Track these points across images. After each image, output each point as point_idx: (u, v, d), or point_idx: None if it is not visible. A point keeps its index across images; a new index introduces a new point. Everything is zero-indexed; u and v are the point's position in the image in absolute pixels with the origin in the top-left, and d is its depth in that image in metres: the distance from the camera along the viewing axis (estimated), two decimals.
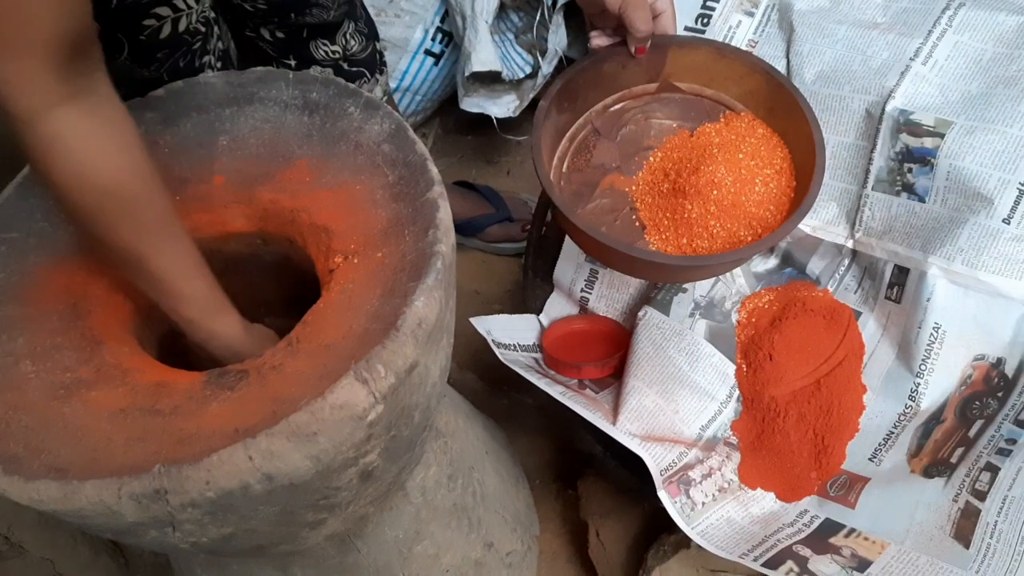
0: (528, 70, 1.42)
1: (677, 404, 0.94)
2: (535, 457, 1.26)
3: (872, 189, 0.97)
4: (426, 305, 0.61)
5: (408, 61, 1.47)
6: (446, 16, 1.46)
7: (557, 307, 1.11)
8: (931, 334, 0.92)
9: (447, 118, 1.66)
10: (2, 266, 0.69)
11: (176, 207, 0.66)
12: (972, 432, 0.88)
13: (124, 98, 0.62)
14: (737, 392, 0.97)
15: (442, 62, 1.50)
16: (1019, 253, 0.88)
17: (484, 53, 1.35)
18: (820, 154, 0.84)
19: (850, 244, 1.01)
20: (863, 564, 0.81)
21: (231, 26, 1.01)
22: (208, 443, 0.56)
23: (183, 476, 0.54)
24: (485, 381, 1.34)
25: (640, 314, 1.00)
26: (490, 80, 1.42)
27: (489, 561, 1.01)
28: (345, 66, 1.11)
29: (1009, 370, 0.89)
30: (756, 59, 0.91)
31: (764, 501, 0.92)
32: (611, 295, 1.08)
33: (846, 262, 1.02)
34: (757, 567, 0.82)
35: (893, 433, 0.93)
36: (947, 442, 0.88)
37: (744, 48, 1.06)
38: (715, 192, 0.86)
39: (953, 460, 0.86)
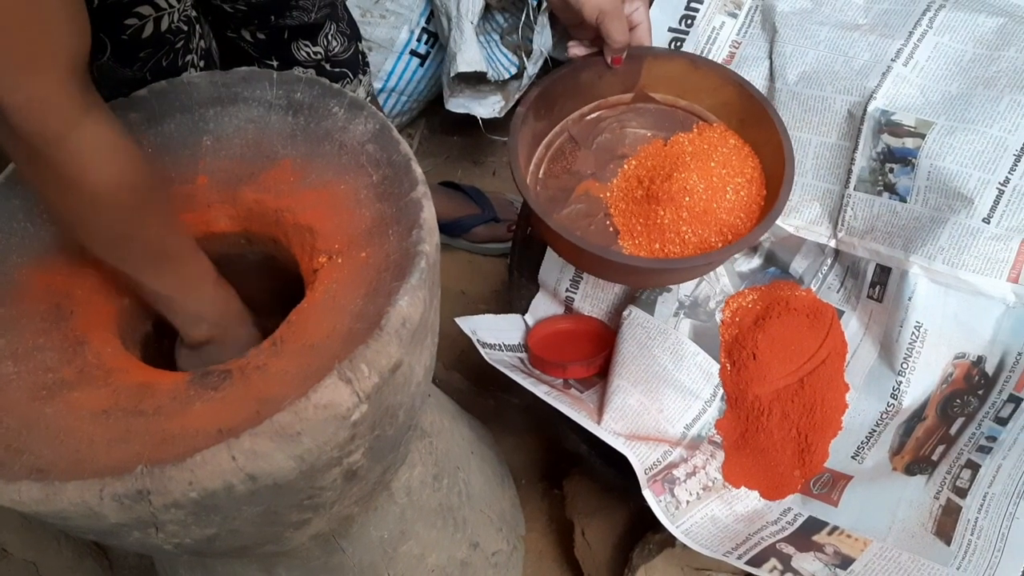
0: (513, 71, 1.43)
1: (662, 403, 0.95)
2: (521, 457, 1.26)
3: (854, 189, 0.98)
4: (410, 305, 0.61)
5: (393, 62, 1.47)
6: (431, 17, 1.46)
7: (542, 307, 1.11)
8: (913, 333, 0.92)
9: (433, 119, 1.66)
10: None
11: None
12: (953, 430, 0.88)
13: (107, 98, 0.62)
14: (721, 391, 0.97)
15: (427, 63, 1.50)
16: (999, 252, 0.89)
17: (469, 54, 1.35)
18: (789, 164, 0.87)
19: (833, 244, 1.01)
20: (846, 561, 0.82)
21: (212, 26, 1.01)
22: (191, 443, 0.56)
23: (166, 477, 0.54)
24: (471, 381, 1.35)
25: (625, 314, 1.00)
26: (476, 81, 1.42)
27: (475, 561, 1.01)
28: (327, 67, 1.11)
29: (989, 368, 0.89)
30: (729, 71, 0.93)
31: (748, 499, 0.92)
32: (596, 295, 1.08)
33: (829, 261, 1.02)
34: (741, 565, 0.82)
35: (875, 431, 0.93)
36: (928, 440, 0.89)
37: (727, 48, 1.07)
38: (687, 199, 0.88)
39: (934, 458, 0.87)
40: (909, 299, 0.92)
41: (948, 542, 0.80)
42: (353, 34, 1.13)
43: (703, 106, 0.96)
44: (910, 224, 0.94)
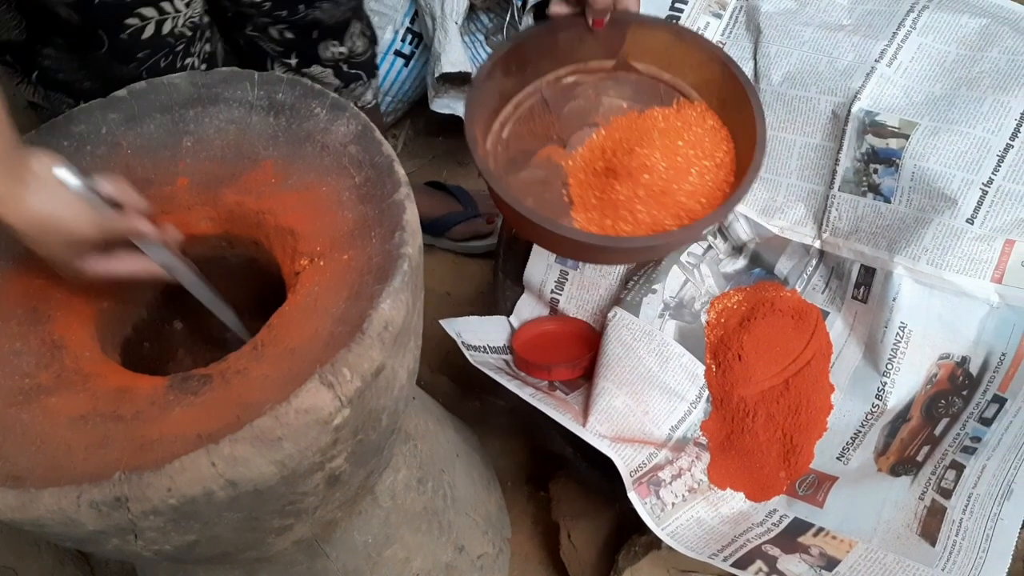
0: None
1: (647, 405, 0.94)
2: (506, 459, 1.25)
3: (839, 190, 0.98)
4: (392, 308, 0.61)
5: (378, 62, 1.46)
6: (416, 17, 1.46)
7: (527, 308, 1.10)
8: (897, 333, 0.93)
9: (418, 119, 1.65)
10: None
11: None
12: (938, 431, 0.88)
13: (97, 92, 0.60)
14: (707, 392, 0.97)
15: (412, 63, 1.49)
16: (982, 253, 0.89)
17: (454, 54, 1.35)
18: (759, 151, 0.83)
19: (817, 244, 1.01)
20: (831, 563, 0.82)
21: (228, 27, 1.00)
22: (170, 449, 0.55)
23: (144, 483, 0.53)
24: (456, 383, 1.34)
25: (610, 315, 1.00)
26: (460, 81, 1.41)
27: (460, 564, 1.01)
28: (345, 68, 1.11)
29: (973, 369, 0.90)
30: (714, 48, 0.89)
31: (733, 501, 0.92)
32: (581, 296, 1.07)
33: (814, 262, 1.02)
34: (727, 567, 0.82)
35: (860, 432, 0.93)
36: (913, 441, 0.89)
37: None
38: (646, 176, 0.84)
39: (919, 458, 0.87)
40: (894, 300, 0.93)
41: (933, 543, 0.80)
42: (372, 36, 1.13)
43: (686, 82, 0.92)
44: (894, 225, 0.94)
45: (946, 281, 0.90)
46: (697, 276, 1.03)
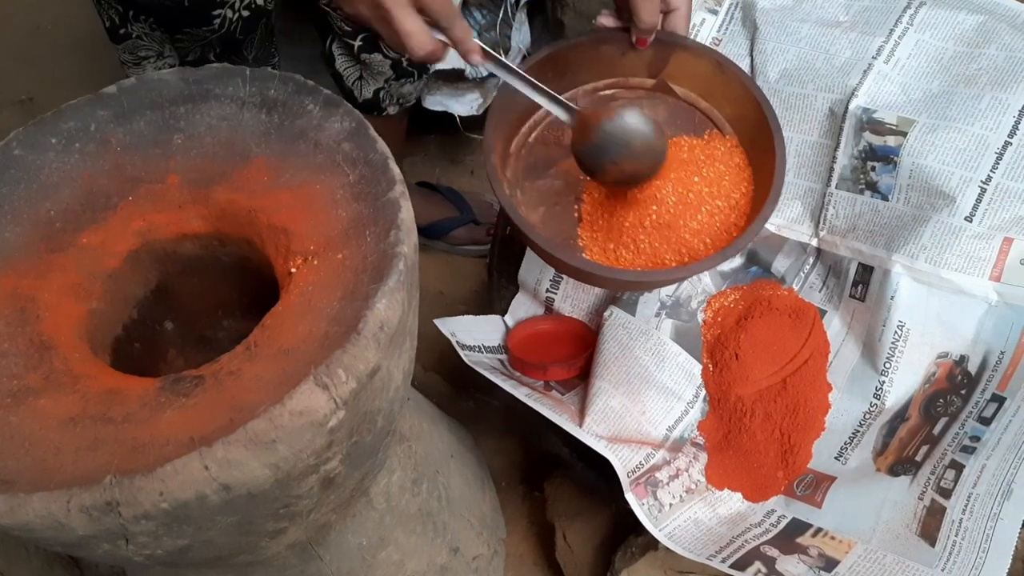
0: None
1: (644, 405, 0.94)
2: (501, 459, 1.25)
3: (836, 187, 0.98)
4: (388, 308, 0.60)
5: None
6: None
7: (522, 308, 1.10)
8: (895, 332, 0.92)
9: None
10: None
11: None
12: (936, 430, 0.88)
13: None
14: (704, 392, 0.96)
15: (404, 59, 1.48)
16: (981, 251, 0.88)
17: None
18: (771, 203, 0.81)
19: (814, 242, 1.01)
20: (830, 564, 0.81)
21: None
22: (162, 452, 0.54)
23: (136, 487, 0.52)
24: (450, 383, 1.33)
25: (606, 314, 0.99)
26: (453, 78, 1.41)
27: (455, 566, 1.00)
28: (404, 62, 1.11)
29: (972, 367, 0.89)
30: (753, 85, 0.87)
31: (731, 501, 0.91)
32: (577, 295, 1.07)
33: (811, 260, 1.02)
34: (725, 569, 0.81)
35: (859, 431, 0.93)
36: (912, 440, 0.89)
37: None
38: (654, 208, 0.83)
39: (918, 458, 0.87)
40: (892, 298, 0.92)
41: (933, 543, 0.79)
42: None
43: (722, 114, 0.90)
44: (892, 223, 0.93)
45: (944, 279, 0.90)
46: None
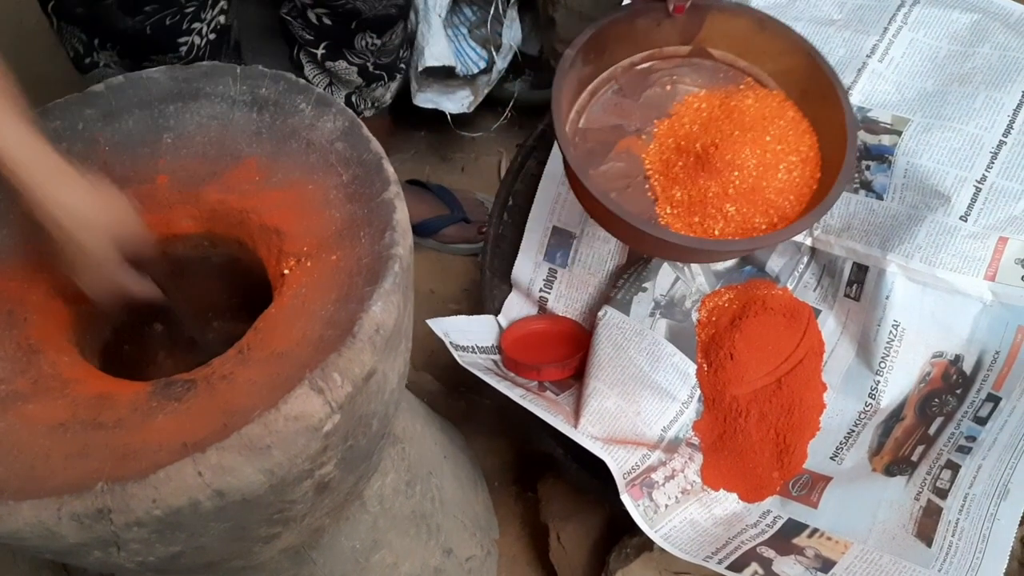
0: (482, 65, 1.40)
1: (639, 405, 0.93)
2: (494, 459, 1.24)
3: None
4: (384, 310, 0.59)
5: None
6: None
7: (516, 307, 1.09)
8: (890, 332, 0.92)
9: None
10: None
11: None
12: (932, 430, 0.88)
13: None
14: (698, 392, 0.96)
15: None
16: (976, 250, 0.88)
17: (437, 48, 1.33)
18: (851, 147, 0.80)
19: (809, 242, 1.00)
20: (827, 565, 0.81)
21: (263, 2, 0.98)
22: (154, 458, 0.53)
23: (128, 494, 0.51)
24: (442, 383, 1.32)
25: (600, 314, 0.98)
26: (444, 75, 1.40)
27: (448, 568, 0.99)
28: (370, 67, 1.10)
29: (967, 367, 0.89)
30: (799, 37, 0.87)
31: (727, 502, 0.91)
32: (570, 295, 1.06)
33: (805, 260, 1.01)
34: (721, 570, 0.81)
35: (854, 431, 0.93)
36: (908, 440, 0.89)
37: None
38: (736, 174, 0.81)
39: (914, 458, 0.86)
40: (887, 298, 0.92)
41: (929, 544, 0.79)
42: (407, 39, 1.11)
43: (764, 70, 0.90)
44: (887, 222, 0.93)
45: (939, 279, 0.89)
46: (688, 274, 1.01)
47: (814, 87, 0.85)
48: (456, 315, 1.06)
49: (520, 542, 1.17)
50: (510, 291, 1.10)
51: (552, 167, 1.06)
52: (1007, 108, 0.89)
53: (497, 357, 1.03)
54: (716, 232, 0.82)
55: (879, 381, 0.93)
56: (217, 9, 0.89)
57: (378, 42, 1.05)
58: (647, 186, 0.85)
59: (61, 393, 0.60)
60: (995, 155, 0.88)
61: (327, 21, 0.99)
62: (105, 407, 0.59)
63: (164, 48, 0.94)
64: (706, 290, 1.02)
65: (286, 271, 0.65)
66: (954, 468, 0.82)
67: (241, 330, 0.63)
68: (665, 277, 1.00)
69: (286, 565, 0.80)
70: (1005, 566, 0.75)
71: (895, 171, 0.92)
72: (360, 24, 1.01)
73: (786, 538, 0.85)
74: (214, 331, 0.84)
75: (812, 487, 0.89)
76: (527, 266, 1.07)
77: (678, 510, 0.88)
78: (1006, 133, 0.89)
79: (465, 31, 1.42)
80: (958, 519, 0.79)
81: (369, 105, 1.23)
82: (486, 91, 1.42)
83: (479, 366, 0.96)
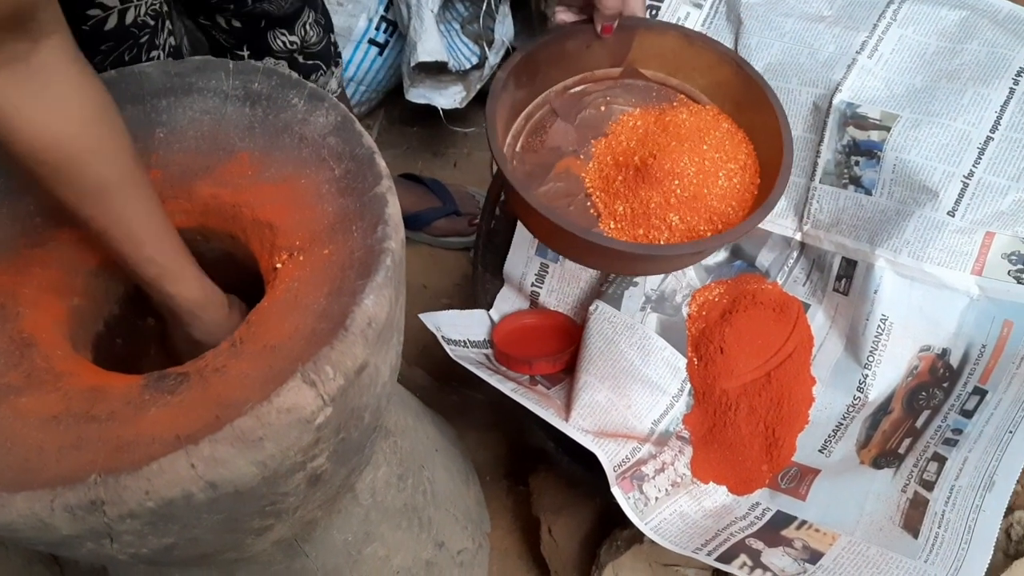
0: (475, 60, 1.41)
1: (629, 399, 0.94)
2: (485, 453, 1.24)
3: (820, 182, 0.98)
4: (376, 304, 0.59)
5: (352, 51, 1.44)
6: (390, 5, 1.44)
7: (507, 302, 1.09)
8: (878, 326, 0.93)
9: (392, 109, 1.63)
10: None
11: (141, 170, 0.63)
12: (919, 423, 0.89)
13: None
14: (688, 386, 0.97)
15: (387, 52, 1.47)
16: (963, 245, 0.89)
17: (430, 43, 1.33)
18: (788, 151, 0.82)
19: (798, 237, 1.01)
20: (815, 556, 0.82)
21: (186, 14, 0.97)
22: (147, 451, 0.54)
23: (121, 486, 0.51)
24: (434, 377, 1.33)
25: (591, 308, 0.99)
26: (436, 71, 1.40)
27: (440, 561, 1.00)
28: (300, 59, 1.09)
29: (954, 361, 0.90)
30: (726, 49, 0.88)
31: (716, 495, 0.92)
32: (562, 289, 1.07)
33: (795, 255, 1.02)
34: (711, 561, 0.82)
35: (842, 424, 0.93)
36: (895, 433, 0.89)
37: None
38: (676, 183, 0.83)
39: (901, 451, 0.87)
40: (875, 292, 0.93)
41: (916, 535, 0.80)
42: (327, 24, 1.10)
43: (696, 86, 0.91)
44: (875, 217, 0.94)
45: (927, 273, 0.90)
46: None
47: (746, 96, 0.87)
48: (448, 309, 1.07)
49: (512, 535, 1.18)
50: (502, 286, 1.10)
51: None
52: (995, 104, 0.90)
53: (489, 351, 1.04)
54: (662, 243, 0.83)
55: (867, 375, 0.93)
56: (167, 32, 0.89)
57: (293, 38, 1.05)
58: (589, 203, 0.86)
59: (54, 386, 0.60)
60: (982, 151, 0.89)
61: (236, 23, 0.99)
62: (98, 400, 0.59)
63: None
64: (696, 285, 1.03)
65: (279, 265, 0.66)
66: (940, 460, 0.83)
67: None
68: None
69: (278, 558, 0.81)
70: (990, 557, 0.75)
71: (884, 167, 0.93)
72: (269, 23, 1.01)
73: (775, 530, 0.86)
74: None
75: (800, 480, 0.90)
76: (519, 261, 1.08)
77: (668, 502, 0.89)
78: (993, 129, 0.89)
79: (457, 27, 1.42)
80: (944, 511, 0.80)
81: None
82: (479, 86, 1.42)
83: (471, 360, 0.97)
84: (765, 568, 0.81)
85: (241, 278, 0.73)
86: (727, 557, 0.82)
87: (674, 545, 0.84)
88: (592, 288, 1.05)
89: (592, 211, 0.86)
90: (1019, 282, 0.87)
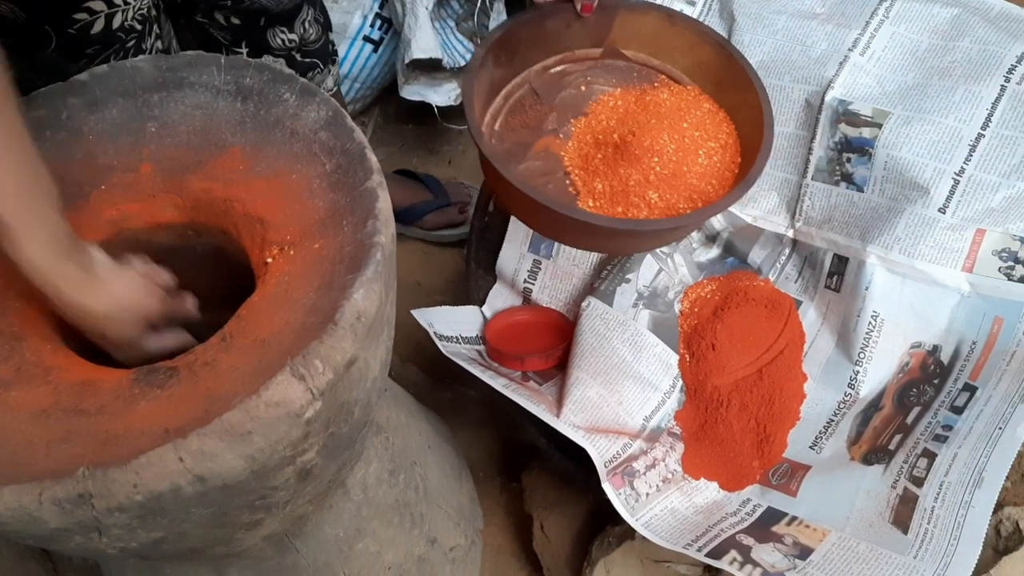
0: (469, 57, 1.41)
1: (621, 395, 0.94)
2: (478, 450, 1.24)
3: (812, 179, 0.98)
4: (365, 298, 0.59)
5: (346, 48, 1.44)
6: (385, 2, 1.44)
7: (500, 298, 1.09)
8: (870, 322, 0.93)
9: (387, 106, 1.63)
10: None
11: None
12: (909, 419, 0.89)
13: None
14: (680, 382, 0.97)
15: (381, 49, 1.47)
16: (954, 242, 0.89)
17: (424, 40, 1.33)
18: (768, 130, 0.82)
19: (790, 233, 1.01)
20: (805, 552, 0.82)
21: (181, 12, 0.97)
22: (136, 444, 0.54)
23: (109, 479, 0.52)
24: (427, 374, 1.33)
25: (583, 305, 0.99)
26: (431, 68, 1.40)
27: (432, 557, 1.00)
28: (298, 57, 1.09)
29: (945, 357, 0.90)
30: (707, 29, 0.88)
31: (707, 491, 0.92)
32: (554, 286, 1.07)
33: (787, 251, 1.02)
34: (701, 557, 0.82)
35: (833, 421, 0.94)
36: (885, 429, 0.90)
37: None
38: (656, 160, 0.82)
39: (891, 447, 0.87)
40: (866, 289, 0.93)
41: (905, 531, 0.80)
42: (326, 22, 1.10)
43: (676, 67, 0.91)
44: (867, 214, 0.94)
45: (918, 270, 0.90)
46: (671, 265, 1.02)
47: (727, 76, 0.87)
48: (441, 306, 1.07)
49: (504, 532, 1.18)
50: (495, 282, 1.10)
51: None
52: (986, 101, 0.90)
53: (481, 347, 1.04)
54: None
55: (858, 371, 0.94)
56: (154, 36, 0.89)
57: (293, 36, 1.05)
58: (568, 181, 0.85)
59: (44, 380, 0.60)
60: (974, 148, 0.89)
61: (235, 20, 0.99)
62: (87, 394, 0.59)
63: None
64: (689, 281, 1.03)
65: (269, 259, 0.66)
66: (930, 457, 0.83)
67: (225, 319, 0.63)
68: (648, 268, 1.00)
69: (269, 553, 0.81)
70: (979, 552, 0.76)
71: (875, 163, 0.93)
72: (268, 20, 1.01)
73: (765, 526, 0.86)
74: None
75: (791, 476, 0.90)
76: (512, 257, 1.08)
77: (659, 498, 0.89)
78: (984, 126, 0.89)
79: (452, 24, 1.42)
80: (934, 507, 0.80)
81: None
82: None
83: (463, 356, 0.97)
84: (755, 564, 0.81)
85: (232, 273, 0.73)
86: (717, 553, 0.82)
87: (665, 541, 0.84)
88: (585, 284, 1.05)
89: (571, 189, 0.85)
90: (1009, 279, 0.87)
